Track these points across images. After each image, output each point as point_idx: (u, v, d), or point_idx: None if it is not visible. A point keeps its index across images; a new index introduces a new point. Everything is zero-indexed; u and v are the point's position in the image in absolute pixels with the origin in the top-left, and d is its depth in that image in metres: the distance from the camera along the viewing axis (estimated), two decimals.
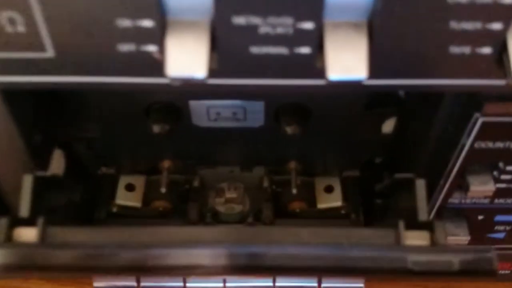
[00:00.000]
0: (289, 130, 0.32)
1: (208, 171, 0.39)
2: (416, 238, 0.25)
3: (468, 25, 0.22)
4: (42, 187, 0.29)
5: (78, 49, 0.23)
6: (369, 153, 0.37)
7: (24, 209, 0.27)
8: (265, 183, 0.39)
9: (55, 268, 0.24)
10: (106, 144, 0.36)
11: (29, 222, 0.26)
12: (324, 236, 0.25)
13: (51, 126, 0.33)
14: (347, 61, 0.22)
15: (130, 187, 0.39)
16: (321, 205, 0.38)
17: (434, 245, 0.25)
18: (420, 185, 0.28)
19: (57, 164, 0.34)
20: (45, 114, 0.32)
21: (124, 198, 0.38)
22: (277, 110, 0.33)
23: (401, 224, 0.25)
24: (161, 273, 0.25)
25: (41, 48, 0.23)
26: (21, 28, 0.23)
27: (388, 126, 0.34)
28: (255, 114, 0.34)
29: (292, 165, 0.38)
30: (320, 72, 0.23)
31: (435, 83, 0.24)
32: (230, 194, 0.39)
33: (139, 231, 0.26)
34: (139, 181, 0.39)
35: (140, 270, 0.25)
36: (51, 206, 0.31)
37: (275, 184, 0.39)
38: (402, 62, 0.23)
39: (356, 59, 0.22)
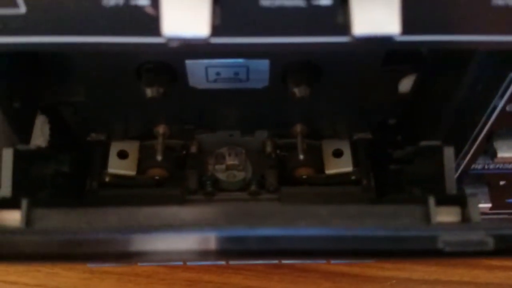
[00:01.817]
0: (297, 92, 0.29)
1: (206, 136, 0.37)
2: (446, 214, 0.23)
3: None
4: (25, 161, 0.26)
5: (55, 4, 0.20)
6: (383, 114, 0.34)
7: (6, 188, 0.24)
8: (269, 148, 0.37)
9: (40, 257, 0.21)
10: (94, 108, 0.33)
11: (12, 203, 0.23)
12: (343, 214, 0.23)
13: (32, 91, 0.30)
14: (375, 14, 0.19)
15: (122, 155, 0.36)
16: (330, 171, 0.36)
17: (467, 222, 0.22)
18: (449, 153, 0.25)
19: (40, 132, 0.31)
20: (24, 77, 0.29)
21: (117, 167, 0.36)
22: (284, 69, 0.30)
23: (432, 200, 0.23)
24: (155, 260, 0.22)
25: (12, 3, 0.20)
26: None
27: (406, 85, 0.31)
28: (259, 74, 0.30)
29: (298, 128, 0.35)
30: (343, 28, 0.20)
31: (474, 39, 0.21)
32: (231, 161, 0.37)
33: (129, 211, 0.23)
34: (132, 147, 0.37)
35: (131, 257, 0.22)
36: (37, 181, 0.28)
37: (279, 149, 0.37)
38: (439, 16, 0.20)
39: (386, 11, 0.19)
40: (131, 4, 0.20)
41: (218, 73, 0.31)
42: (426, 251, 0.21)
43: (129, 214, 0.23)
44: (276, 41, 0.21)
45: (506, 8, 0.20)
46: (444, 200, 0.23)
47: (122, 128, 0.36)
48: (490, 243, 0.21)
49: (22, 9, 0.20)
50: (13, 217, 0.23)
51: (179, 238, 0.21)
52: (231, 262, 0.38)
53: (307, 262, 0.34)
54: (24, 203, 0.23)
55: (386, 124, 0.35)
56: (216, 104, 0.33)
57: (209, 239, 0.21)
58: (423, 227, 0.22)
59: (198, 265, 0.40)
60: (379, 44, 0.20)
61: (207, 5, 0.19)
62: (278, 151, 0.37)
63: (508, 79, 0.24)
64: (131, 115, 0.35)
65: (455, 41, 0.21)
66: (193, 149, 0.37)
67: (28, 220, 0.23)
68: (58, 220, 0.23)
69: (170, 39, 0.20)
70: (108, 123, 0.35)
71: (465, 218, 0.23)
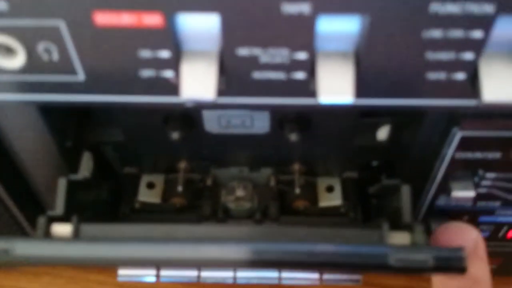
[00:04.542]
0: (292, 137, 0.36)
1: (220, 171, 0.43)
2: (398, 238, 0.29)
3: (443, 55, 0.26)
4: (74, 188, 0.33)
5: (105, 74, 0.27)
6: (366, 157, 0.40)
7: (59, 208, 0.32)
8: (272, 182, 0.42)
9: (86, 260, 0.28)
10: (129, 147, 0.39)
11: (64, 219, 0.31)
12: (319, 234, 0.29)
13: (81, 133, 0.37)
14: (335, 85, 0.26)
15: (150, 185, 0.42)
16: (322, 204, 0.42)
17: (413, 245, 0.28)
18: (405, 190, 0.31)
19: (86, 165, 0.37)
20: (75, 123, 0.36)
21: (146, 195, 0.42)
22: (281, 119, 0.36)
23: (385, 225, 0.29)
24: (179, 265, 0.28)
25: (73, 72, 0.27)
26: (55, 56, 0.27)
27: (383, 133, 0.37)
28: (261, 122, 0.37)
29: (296, 166, 0.41)
30: (314, 93, 0.26)
31: (416, 103, 0.28)
32: (240, 193, 0.42)
33: (159, 227, 0.30)
34: (158, 179, 0.43)
35: (160, 262, 0.29)
36: (82, 204, 0.35)
37: (281, 183, 0.42)
38: (386, 85, 0.27)
39: (343, 84, 0.26)
40: (160, 76, 0.27)
41: (228, 121, 0.37)
42: (379, 265, 0.27)
43: (155, 230, 0.30)
44: (265, 102, 0.28)
45: (438, 80, 0.27)
46: (397, 226, 0.29)
47: (151, 164, 0.42)
48: (430, 261, 0.27)
49: (81, 76, 0.28)
50: (65, 230, 0.30)
51: (198, 248, 0.28)
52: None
53: (290, 272, 0.40)
54: (74, 218, 0.30)
55: (370, 166, 0.41)
56: (228, 145, 0.39)
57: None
58: (378, 246, 0.28)
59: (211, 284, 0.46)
60: (339, 107, 0.26)
61: (214, 77, 0.26)
62: (279, 185, 0.42)
63: (452, 133, 0.30)
64: (158, 153, 0.41)
65: (400, 105, 0.28)
66: (209, 182, 0.42)
67: (77, 232, 0.30)
68: (100, 233, 0.30)
69: (188, 100, 0.27)
70: (139, 159, 0.42)
71: (413, 242, 0.29)
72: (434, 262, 0.27)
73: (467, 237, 0.30)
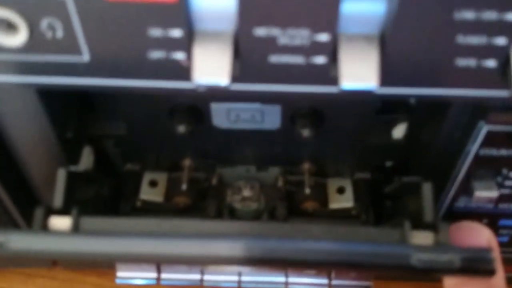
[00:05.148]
0: (304, 133, 0.34)
1: (226, 170, 0.41)
2: (420, 238, 0.27)
3: (474, 40, 0.24)
4: (74, 180, 0.31)
5: (112, 55, 0.25)
6: (380, 157, 0.39)
7: (58, 201, 0.30)
8: (280, 183, 0.41)
9: (86, 255, 0.26)
10: (132, 142, 0.38)
11: (63, 212, 0.29)
12: (333, 233, 0.27)
13: (82, 124, 0.35)
14: (359, 71, 0.24)
15: (153, 183, 0.41)
16: (333, 205, 0.40)
17: (438, 245, 0.26)
18: (427, 188, 0.29)
19: (86, 159, 0.36)
20: (76, 113, 0.35)
21: (148, 194, 0.40)
22: (293, 114, 0.35)
23: (407, 224, 0.27)
24: (181, 262, 0.27)
25: (78, 52, 0.25)
26: (59, 33, 0.25)
27: (399, 131, 0.36)
28: (272, 117, 0.35)
29: (306, 166, 0.40)
30: (334, 80, 0.25)
31: (442, 93, 0.26)
32: (246, 193, 0.41)
33: (163, 222, 0.28)
34: (161, 177, 0.41)
35: (162, 259, 0.27)
36: (81, 199, 0.33)
37: (289, 184, 0.41)
38: (411, 73, 0.25)
39: (367, 69, 0.24)
40: (171, 57, 0.25)
41: (238, 115, 0.36)
42: (401, 266, 0.25)
43: (159, 225, 0.28)
44: (282, 89, 0.27)
45: (467, 68, 0.25)
46: (419, 226, 0.27)
47: (154, 160, 0.41)
48: (457, 263, 0.25)
49: (86, 57, 0.26)
50: (64, 223, 0.28)
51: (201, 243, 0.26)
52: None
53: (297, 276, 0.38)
54: (74, 211, 0.28)
55: (384, 166, 0.39)
56: (236, 142, 0.38)
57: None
58: (399, 246, 0.26)
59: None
60: (362, 95, 0.25)
61: (228, 60, 0.24)
62: (288, 186, 0.41)
63: (478, 127, 0.29)
64: (162, 150, 0.39)
65: (426, 95, 0.26)
66: (214, 181, 0.40)
67: (76, 225, 0.28)
68: (101, 227, 0.28)
69: (199, 85, 0.25)
70: (142, 155, 0.40)
71: (437, 242, 0.27)
72: (461, 263, 0.25)
73: (480, 237, 0.29)
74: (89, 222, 0.28)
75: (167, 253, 0.25)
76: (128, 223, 0.28)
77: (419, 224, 0.28)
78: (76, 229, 0.28)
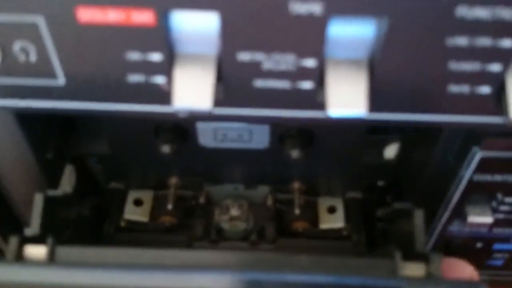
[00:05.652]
0: (293, 154, 0.33)
1: (214, 188, 0.40)
2: (412, 269, 0.26)
3: (467, 66, 0.23)
4: (52, 205, 0.30)
5: (88, 78, 0.24)
6: (372, 177, 0.38)
7: (34, 227, 0.29)
8: (269, 202, 0.40)
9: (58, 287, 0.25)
10: (115, 160, 0.37)
11: (39, 240, 0.27)
12: (323, 264, 0.26)
13: (63, 144, 0.34)
14: (347, 97, 0.23)
15: (138, 202, 0.40)
16: (324, 225, 0.39)
17: (429, 277, 0.25)
18: (419, 216, 0.28)
19: (68, 179, 0.35)
20: (57, 133, 0.33)
21: (132, 213, 0.39)
22: (282, 133, 0.34)
23: (398, 255, 0.26)
24: None
25: (53, 76, 0.24)
26: (32, 57, 0.24)
27: (391, 151, 0.35)
28: (260, 136, 0.34)
29: (296, 185, 0.39)
30: (322, 105, 0.24)
31: (434, 119, 0.25)
32: (234, 212, 0.40)
33: (144, 252, 0.27)
34: (147, 196, 0.40)
35: None
36: (61, 222, 0.32)
37: (278, 203, 0.40)
38: (401, 99, 0.24)
39: (355, 95, 0.23)
40: (150, 81, 0.24)
41: (225, 135, 0.35)
42: None
43: (139, 255, 0.27)
44: (267, 114, 0.25)
45: (460, 94, 0.24)
46: (410, 256, 0.26)
47: (139, 179, 0.40)
48: None
49: (61, 80, 0.25)
50: (39, 252, 0.27)
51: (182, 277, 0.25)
52: None
53: None
54: (50, 240, 0.27)
55: (376, 186, 0.38)
56: (223, 160, 0.37)
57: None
58: (390, 279, 0.25)
59: None
60: (349, 122, 0.24)
61: (210, 85, 0.23)
62: (277, 205, 0.40)
63: (472, 153, 0.28)
64: (148, 168, 0.38)
65: (417, 121, 0.25)
66: (202, 199, 0.40)
67: (52, 255, 0.27)
68: (77, 257, 0.27)
69: (180, 111, 0.24)
70: (127, 173, 0.39)
71: (429, 273, 0.26)
72: None
73: (462, 273, 0.29)
74: (65, 251, 0.27)
75: (146, 286, 0.24)
76: (105, 253, 0.27)
77: (410, 253, 0.27)
78: (51, 259, 0.26)
